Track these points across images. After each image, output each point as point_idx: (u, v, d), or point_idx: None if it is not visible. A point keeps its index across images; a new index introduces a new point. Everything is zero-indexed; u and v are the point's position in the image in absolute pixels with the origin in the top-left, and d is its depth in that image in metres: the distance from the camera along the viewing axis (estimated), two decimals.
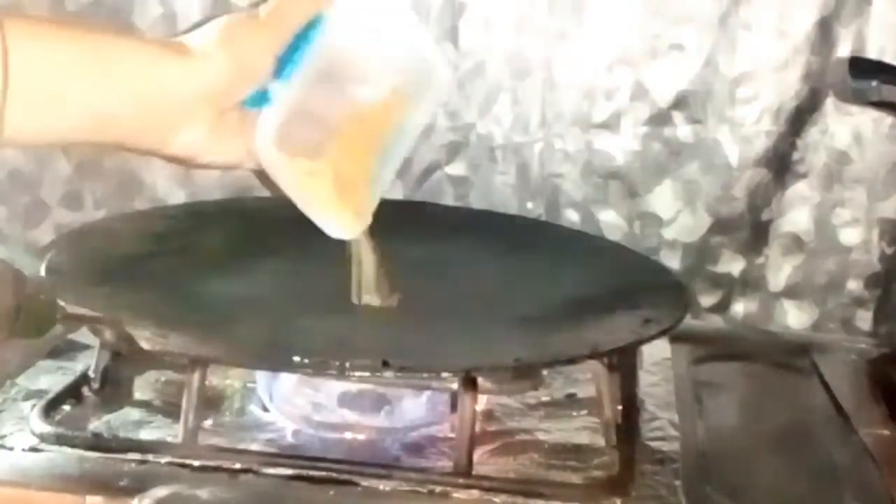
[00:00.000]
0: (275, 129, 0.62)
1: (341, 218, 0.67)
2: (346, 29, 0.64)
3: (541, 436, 0.71)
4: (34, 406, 0.69)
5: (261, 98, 0.62)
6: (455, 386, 0.65)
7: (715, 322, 0.96)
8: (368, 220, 0.68)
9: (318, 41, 0.63)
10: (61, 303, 0.61)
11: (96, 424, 0.69)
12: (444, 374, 0.66)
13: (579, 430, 0.72)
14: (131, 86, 0.57)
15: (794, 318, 0.96)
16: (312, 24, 0.63)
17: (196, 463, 0.64)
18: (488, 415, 0.72)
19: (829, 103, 0.91)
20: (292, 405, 0.71)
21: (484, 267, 0.82)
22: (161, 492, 0.60)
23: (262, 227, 0.83)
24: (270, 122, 0.62)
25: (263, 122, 0.62)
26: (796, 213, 0.94)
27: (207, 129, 0.60)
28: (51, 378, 0.74)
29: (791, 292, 0.96)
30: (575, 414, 0.74)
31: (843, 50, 0.89)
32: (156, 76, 0.57)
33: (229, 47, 0.59)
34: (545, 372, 0.73)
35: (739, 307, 0.97)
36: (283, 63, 0.62)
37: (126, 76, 0.56)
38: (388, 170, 0.70)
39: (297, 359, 0.64)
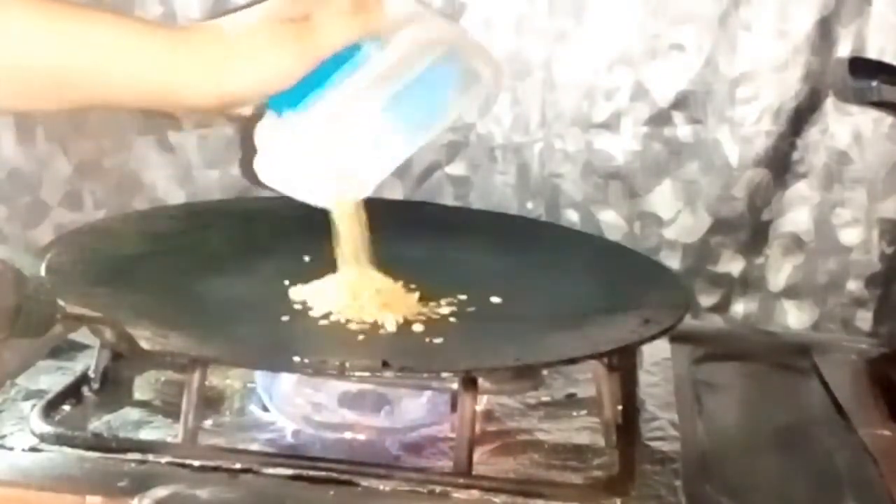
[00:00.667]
0: (279, 161, 0.62)
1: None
2: (385, 60, 0.63)
3: (541, 436, 0.71)
4: (34, 406, 0.69)
5: (276, 103, 0.61)
6: (455, 386, 0.65)
7: (715, 322, 0.96)
8: (368, 192, 0.69)
9: (348, 74, 0.61)
10: (61, 303, 0.61)
11: (96, 424, 0.69)
12: (444, 375, 0.66)
13: (579, 430, 0.72)
14: (137, 81, 0.56)
15: (794, 318, 0.96)
16: (349, 49, 0.61)
17: (196, 463, 0.64)
18: (488, 415, 0.72)
19: (829, 103, 0.91)
20: (292, 405, 0.71)
21: (484, 267, 0.82)
22: (161, 492, 0.60)
23: (262, 227, 0.83)
24: (277, 151, 0.62)
25: (266, 157, 0.62)
26: (796, 213, 0.94)
27: (216, 112, 0.60)
28: (51, 378, 0.74)
29: (791, 292, 0.95)
30: (575, 414, 0.74)
31: (843, 50, 0.89)
32: (165, 76, 0.56)
33: (252, 56, 0.57)
34: (545, 372, 0.73)
35: (739, 307, 0.96)
36: (307, 84, 0.60)
37: (133, 71, 0.55)
38: (406, 146, 0.69)
39: (297, 359, 0.64)
